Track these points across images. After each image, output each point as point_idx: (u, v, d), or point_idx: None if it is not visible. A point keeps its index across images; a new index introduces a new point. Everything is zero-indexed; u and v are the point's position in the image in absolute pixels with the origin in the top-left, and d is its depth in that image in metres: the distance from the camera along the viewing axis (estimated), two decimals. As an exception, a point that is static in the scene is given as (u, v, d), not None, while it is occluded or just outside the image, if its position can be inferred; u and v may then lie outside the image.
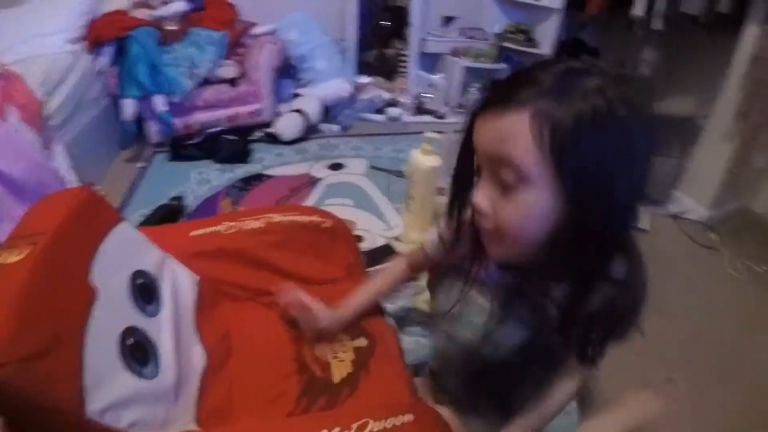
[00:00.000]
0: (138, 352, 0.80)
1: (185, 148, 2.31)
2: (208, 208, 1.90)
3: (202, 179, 2.14)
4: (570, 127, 0.55)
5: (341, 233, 1.33)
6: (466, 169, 0.72)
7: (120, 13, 2.38)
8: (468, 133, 0.67)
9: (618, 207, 0.62)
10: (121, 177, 2.13)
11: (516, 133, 0.57)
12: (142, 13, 2.42)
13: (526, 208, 0.61)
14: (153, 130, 2.34)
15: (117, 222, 0.93)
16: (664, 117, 2.67)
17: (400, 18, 3.38)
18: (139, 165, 2.23)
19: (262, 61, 2.52)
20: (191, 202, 1.94)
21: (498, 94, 0.62)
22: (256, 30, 2.68)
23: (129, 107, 2.20)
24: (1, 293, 0.65)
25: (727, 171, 2.24)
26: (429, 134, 1.81)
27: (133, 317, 0.84)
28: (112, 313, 0.79)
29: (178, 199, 1.87)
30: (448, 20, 3.48)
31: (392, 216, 2.05)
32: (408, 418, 0.82)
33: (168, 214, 1.76)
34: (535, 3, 3.21)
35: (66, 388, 0.65)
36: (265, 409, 0.96)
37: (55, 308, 0.69)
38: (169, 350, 0.87)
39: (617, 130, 0.57)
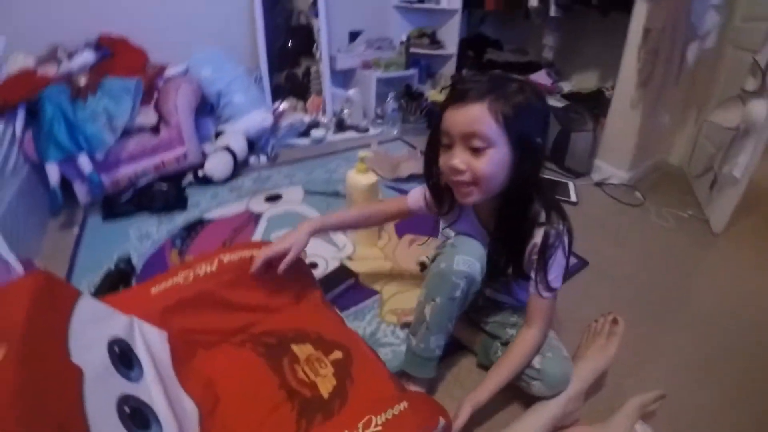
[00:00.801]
0: (138, 418, 0.80)
1: (118, 205, 2.24)
2: (156, 264, 1.85)
3: (142, 235, 2.08)
4: (512, 113, 0.97)
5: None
6: (434, 152, 1.11)
7: (27, 74, 2.28)
8: (436, 127, 1.08)
9: (538, 157, 1.04)
10: (59, 246, 2.03)
11: (479, 117, 0.97)
12: (50, 70, 2.33)
13: (493, 160, 1.00)
14: (82, 191, 2.24)
15: (77, 297, 0.93)
16: (573, 95, 2.85)
17: (304, 37, 3.42)
18: (74, 230, 2.15)
19: (180, 103, 2.48)
20: (137, 260, 1.87)
21: (456, 96, 1.02)
22: (169, 72, 2.63)
23: (54, 172, 2.10)
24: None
25: (638, 134, 2.42)
26: (361, 153, 1.89)
27: (122, 386, 0.84)
28: (102, 387, 0.78)
29: (126, 261, 1.80)
30: (354, 35, 3.58)
31: (339, 237, 2.07)
32: (403, 405, 0.93)
33: (118, 279, 1.70)
34: (436, 7, 3.35)
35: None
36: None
37: (51, 399, 0.68)
38: (165, 409, 0.88)
39: (535, 112, 1.01)
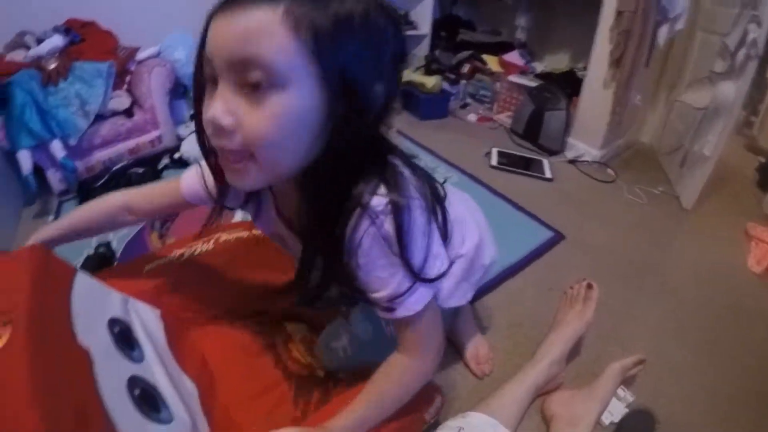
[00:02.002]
0: (148, 400, 0.80)
1: (94, 191, 2.19)
2: (136, 248, 1.83)
3: (121, 220, 2.05)
4: (330, 28, 0.55)
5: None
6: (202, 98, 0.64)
7: (-6, 60, 2.21)
8: (202, 46, 0.60)
9: (373, 108, 0.62)
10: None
11: (266, 30, 0.54)
12: (19, 56, 2.26)
13: (281, 111, 0.56)
14: (56, 178, 2.19)
15: (74, 274, 0.91)
16: (546, 75, 2.90)
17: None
18: (50, 219, 2.10)
19: (154, 86, 2.43)
20: (116, 245, 1.85)
21: None
22: (141, 54, 2.57)
23: (26, 159, 2.05)
24: (9, 383, 0.60)
25: (610, 113, 2.47)
26: None
27: (128, 367, 0.83)
28: (110, 369, 0.77)
29: (105, 245, 1.78)
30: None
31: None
32: None
33: (99, 264, 1.67)
34: (408, -13, 3.34)
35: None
36: (269, 421, 0.98)
37: (65, 383, 0.66)
38: (170, 389, 0.87)
39: (373, 33, 0.59)
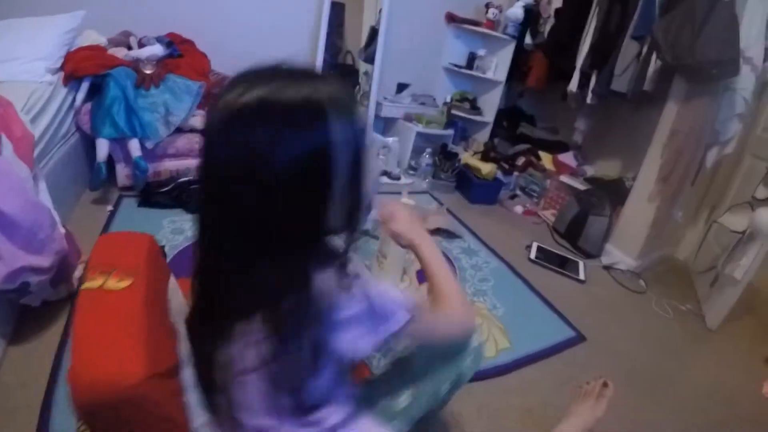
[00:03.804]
0: None
1: (156, 195, 2.32)
2: (187, 259, 1.91)
3: (176, 228, 2.15)
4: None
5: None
6: None
7: (97, 49, 2.40)
8: None
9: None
10: (89, 219, 2.09)
11: None
12: (120, 53, 2.45)
13: None
14: (123, 173, 2.33)
15: (170, 272, 1.05)
16: (596, 180, 3.00)
17: (347, 76, 3.52)
18: (108, 208, 2.22)
19: (235, 115, 2.58)
20: (168, 251, 1.94)
21: None
22: (228, 83, 2.75)
23: (103, 148, 2.19)
24: (127, 317, 0.73)
25: (651, 226, 2.54)
26: (404, 200, 2.07)
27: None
28: (185, 351, 0.86)
29: (161, 248, 1.86)
30: (402, 87, 3.73)
31: (364, 273, 2.12)
32: None
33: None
34: (482, 75, 3.51)
35: (180, 405, 0.76)
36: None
37: (164, 337, 0.79)
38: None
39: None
